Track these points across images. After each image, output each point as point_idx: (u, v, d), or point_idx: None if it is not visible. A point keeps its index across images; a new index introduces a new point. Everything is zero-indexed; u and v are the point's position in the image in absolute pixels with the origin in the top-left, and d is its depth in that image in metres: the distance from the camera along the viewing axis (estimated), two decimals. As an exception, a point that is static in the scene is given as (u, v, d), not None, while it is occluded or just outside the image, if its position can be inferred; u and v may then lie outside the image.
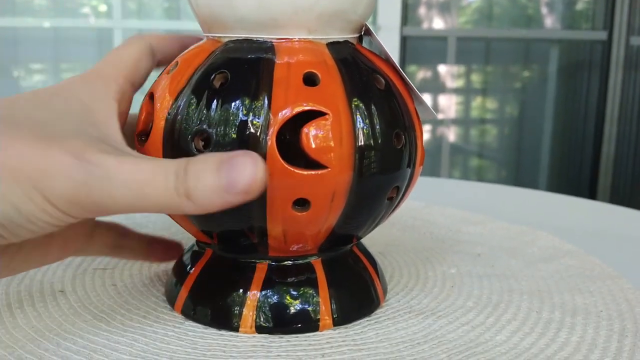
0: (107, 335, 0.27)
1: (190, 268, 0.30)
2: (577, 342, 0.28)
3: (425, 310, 0.31)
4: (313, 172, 0.25)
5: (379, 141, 0.26)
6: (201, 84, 0.26)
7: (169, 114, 0.26)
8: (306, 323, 0.28)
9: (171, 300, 0.30)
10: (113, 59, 0.28)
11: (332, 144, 0.25)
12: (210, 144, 0.25)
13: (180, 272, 0.31)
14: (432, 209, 0.51)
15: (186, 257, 0.31)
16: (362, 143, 0.26)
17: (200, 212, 0.22)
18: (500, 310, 0.31)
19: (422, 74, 1.86)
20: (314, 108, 0.25)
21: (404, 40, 1.70)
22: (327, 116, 0.25)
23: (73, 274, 0.34)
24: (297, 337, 0.27)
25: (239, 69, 0.26)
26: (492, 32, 1.84)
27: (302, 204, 0.25)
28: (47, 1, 1.77)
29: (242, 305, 0.28)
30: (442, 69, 1.85)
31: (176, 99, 0.26)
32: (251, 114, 0.25)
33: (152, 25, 1.70)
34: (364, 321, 0.29)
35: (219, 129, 0.25)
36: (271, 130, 0.24)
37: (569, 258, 0.39)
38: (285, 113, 0.25)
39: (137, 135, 0.28)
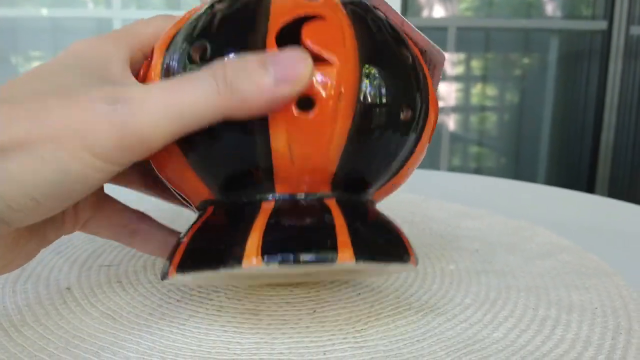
0: (114, 333, 0.28)
1: (189, 228, 0.26)
2: (572, 340, 0.28)
3: (424, 307, 0.31)
4: (316, 64, 0.23)
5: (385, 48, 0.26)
6: (201, 13, 0.26)
7: (166, 50, 0.26)
8: (323, 247, 0.23)
9: (165, 269, 0.25)
10: (132, 27, 0.28)
11: (334, 40, 0.24)
12: (207, 55, 0.24)
13: (178, 240, 0.27)
14: (430, 203, 0.52)
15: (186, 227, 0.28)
16: (368, 51, 0.25)
17: (245, 113, 0.22)
18: (497, 307, 0.32)
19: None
20: (314, 13, 0.25)
21: (403, 29, 1.70)
22: (327, 18, 0.25)
23: (79, 271, 0.35)
24: (300, 333, 0.28)
25: None
26: (492, 22, 1.84)
27: (306, 105, 0.24)
28: (46, -11, 1.76)
29: (244, 239, 0.23)
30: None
31: (174, 38, 0.26)
32: (250, 24, 0.24)
33: (152, 15, 1.69)
34: (364, 316, 0.30)
35: (218, 40, 0.25)
36: (270, 34, 0.24)
37: (566, 254, 0.40)
38: (285, 18, 0.24)
39: None
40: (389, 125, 0.26)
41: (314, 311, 0.30)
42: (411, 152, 0.28)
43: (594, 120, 1.86)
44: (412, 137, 0.27)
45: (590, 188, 1.91)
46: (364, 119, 0.25)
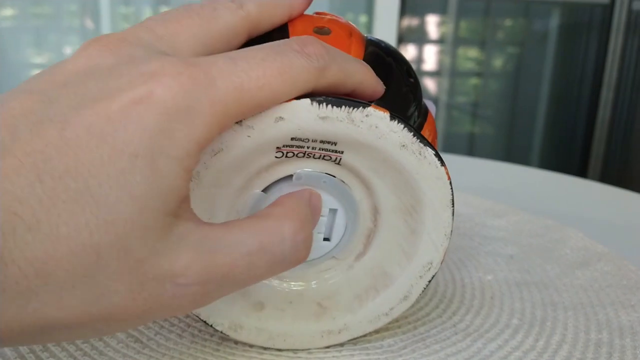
0: (145, 361, 0.25)
1: None
2: (632, 371, 0.27)
3: (470, 330, 0.29)
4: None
5: None
6: None
7: None
8: None
9: None
10: None
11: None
12: None
13: None
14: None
15: None
16: None
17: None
18: (547, 329, 0.30)
19: (417, 24, 1.82)
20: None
21: (404, -3, 1.66)
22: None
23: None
24: (352, 356, 0.26)
25: None
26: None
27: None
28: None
29: None
30: (440, 22, 1.81)
31: None
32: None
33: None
34: (410, 342, 0.28)
35: None
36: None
37: (603, 263, 0.38)
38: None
39: None
40: None
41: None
42: None
43: (590, 95, 1.84)
44: None
45: (584, 165, 1.90)
46: None
